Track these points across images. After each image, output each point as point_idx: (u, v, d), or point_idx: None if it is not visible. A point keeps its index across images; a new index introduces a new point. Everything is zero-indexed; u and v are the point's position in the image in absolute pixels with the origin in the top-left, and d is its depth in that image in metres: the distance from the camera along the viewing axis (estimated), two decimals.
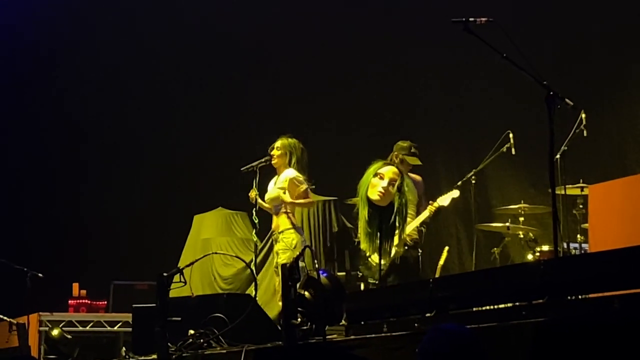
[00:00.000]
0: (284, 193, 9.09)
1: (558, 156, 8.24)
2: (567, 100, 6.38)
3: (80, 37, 14.47)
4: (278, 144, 9.22)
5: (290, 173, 9.12)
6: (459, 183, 9.83)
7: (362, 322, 6.08)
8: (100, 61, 14.45)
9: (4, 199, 14.11)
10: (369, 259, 8.17)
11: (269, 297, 10.73)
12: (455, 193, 9.34)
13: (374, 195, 8.02)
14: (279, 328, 6.31)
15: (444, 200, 9.23)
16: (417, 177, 9.49)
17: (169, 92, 14.43)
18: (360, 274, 8.53)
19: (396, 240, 8.06)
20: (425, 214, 9.09)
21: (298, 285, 5.79)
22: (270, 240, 10.26)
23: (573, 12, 11.20)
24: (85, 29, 14.48)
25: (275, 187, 9.15)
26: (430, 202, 9.20)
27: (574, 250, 8.74)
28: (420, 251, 8.90)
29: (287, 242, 8.86)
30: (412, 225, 8.83)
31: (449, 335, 4.00)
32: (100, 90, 14.48)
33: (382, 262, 7.91)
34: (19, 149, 14.41)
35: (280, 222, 9.00)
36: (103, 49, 14.46)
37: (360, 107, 13.32)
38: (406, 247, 8.48)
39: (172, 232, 13.21)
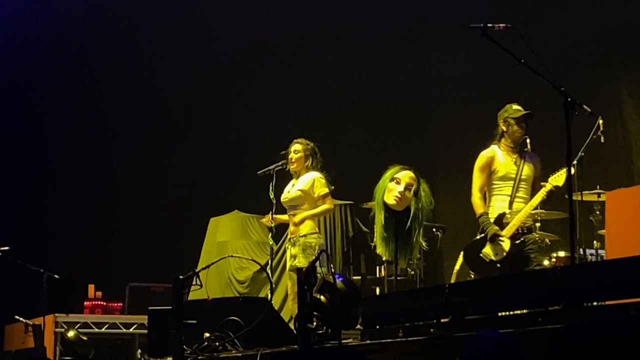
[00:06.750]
0: (304, 194, 9.02)
1: (575, 162, 8.19)
2: (584, 106, 6.38)
3: (106, 45, 14.53)
4: (297, 147, 9.17)
5: (315, 174, 9.07)
6: None
7: (378, 327, 6.08)
8: (120, 65, 14.49)
9: (24, 202, 14.18)
10: (482, 255, 7.91)
11: (284, 300, 10.73)
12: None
13: (390, 199, 8.03)
14: (295, 332, 6.31)
15: (557, 180, 8.10)
16: (536, 157, 8.43)
17: (187, 95, 14.46)
18: (473, 272, 8.22)
19: (509, 230, 7.82)
20: (539, 197, 8.00)
21: (314, 289, 5.80)
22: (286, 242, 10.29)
23: (583, 16, 11.14)
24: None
25: (296, 189, 9.10)
26: (543, 183, 8.11)
27: (590, 257, 8.70)
28: (537, 236, 8.10)
29: (311, 246, 8.80)
30: (525, 210, 7.99)
31: (490, 342, 4.01)
32: (121, 94, 14.51)
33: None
34: (34, 154, 14.47)
35: (302, 225, 8.95)
36: (122, 56, 14.52)
37: (376, 111, 13.33)
38: (521, 238, 7.93)
39: (188, 234, 13.21)
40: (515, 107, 8.10)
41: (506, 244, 7.86)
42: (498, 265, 7.82)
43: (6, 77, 14.18)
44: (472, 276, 8.26)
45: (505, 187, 8.04)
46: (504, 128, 8.12)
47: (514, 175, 8.02)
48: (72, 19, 14.27)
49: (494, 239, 7.85)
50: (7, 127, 14.20)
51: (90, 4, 14.23)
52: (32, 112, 14.47)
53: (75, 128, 14.51)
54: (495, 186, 8.09)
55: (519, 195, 8.01)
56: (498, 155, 8.09)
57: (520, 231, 7.92)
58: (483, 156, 8.14)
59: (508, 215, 7.96)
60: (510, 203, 7.99)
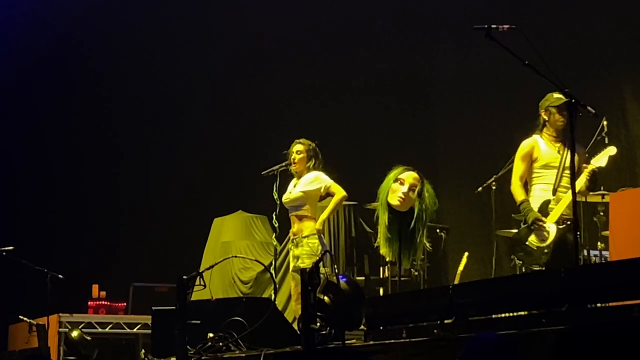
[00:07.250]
0: (305, 195, 9.01)
1: (608, 157, 8.11)
2: (589, 107, 6.38)
3: (110, 32, 14.54)
4: (300, 147, 9.16)
5: (316, 172, 9.08)
6: (480, 189, 9.80)
7: (381, 328, 6.09)
8: (120, 64, 14.51)
9: (27, 202, 14.19)
10: (528, 243, 7.74)
11: (288, 300, 10.73)
12: (612, 150, 7.85)
13: (394, 200, 8.03)
14: (298, 332, 6.32)
15: (600, 160, 7.80)
16: (581, 146, 7.93)
17: (189, 95, 14.47)
18: (520, 261, 8.00)
19: (553, 217, 7.65)
20: (582, 179, 7.66)
21: (318, 289, 5.80)
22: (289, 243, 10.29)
23: (583, 16, 11.13)
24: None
25: (297, 190, 9.09)
26: (584, 165, 7.75)
27: (594, 258, 8.71)
28: (579, 233, 7.30)
29: (313, 247, 8.79)
30: (566, 199, 7.65)
31: (490, 344, 4.02)
32: (122, 94, 14.53)
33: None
34: (34, 154, 14.49)
35: (305, 226, 8.94)
36: (119, 55, 14.54)
37: (379, 111, 13.31)
38: (567, 222, 7.61)
39: (192, 235, 13.23)
40: (556, 95, 7.89)
41: (552, 230, 7.69)
42: (545, 251, 7.64)
43: (6, 77, 14.21)
44: (518, 263, 8.11)
45: (547, 176, 7.88)
46: (546, 117, 7.98)
47: (556, 164, 7.88)
48: (72, 19, 14.29)
49: (535, 224, 7.72)
50: (7, 127, 14.23)
51: (90, 4, 14.26)
52: (32, 112, 14.49)
53: (75, 128, 14.52)
54: (536, 175, 7.95)
55: (563, 184, 7.88)
56: (540, 145, 7.95)
57: (564, 222, 7.70)
58: (524, 146, 8.01)
59: (552, 204, 7.78)
60: (554, 191, 7.83)
